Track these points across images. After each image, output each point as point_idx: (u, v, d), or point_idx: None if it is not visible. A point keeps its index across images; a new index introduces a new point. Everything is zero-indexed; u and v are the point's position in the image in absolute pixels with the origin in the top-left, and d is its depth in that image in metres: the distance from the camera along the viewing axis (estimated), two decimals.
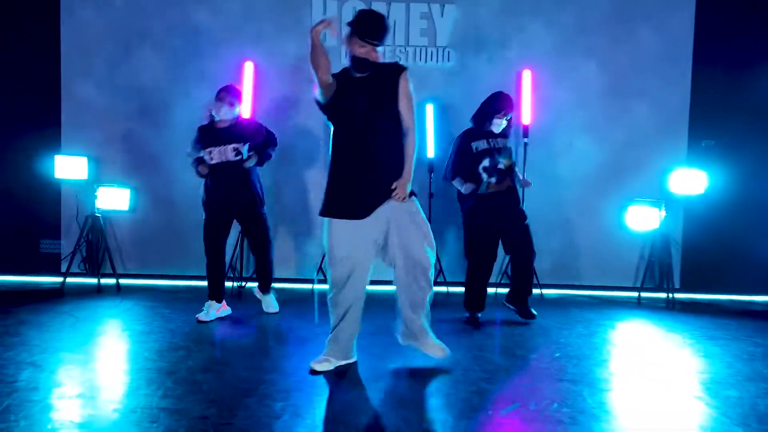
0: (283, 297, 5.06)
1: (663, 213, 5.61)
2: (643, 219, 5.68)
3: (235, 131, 4.58)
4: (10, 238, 5.93)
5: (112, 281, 5.54)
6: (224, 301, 4.69)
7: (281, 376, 3.27)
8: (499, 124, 4.55)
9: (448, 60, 5.88)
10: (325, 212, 3.29)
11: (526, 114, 5.77)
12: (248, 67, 5.70)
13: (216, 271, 4.67)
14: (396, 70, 3.27)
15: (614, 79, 5.91)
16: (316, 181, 5.92)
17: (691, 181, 5.60)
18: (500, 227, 4.55)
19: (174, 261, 5.94)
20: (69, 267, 5.48)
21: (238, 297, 5.43)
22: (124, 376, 3.26)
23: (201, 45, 5.84)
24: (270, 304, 4.87)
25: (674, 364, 3.71)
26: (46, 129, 5.86)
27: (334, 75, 3.17)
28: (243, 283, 5.76)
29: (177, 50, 5.85)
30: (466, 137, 4.60)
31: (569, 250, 6.01)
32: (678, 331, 4.53)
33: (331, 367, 3.31)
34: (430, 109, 5.71)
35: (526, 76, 5.77)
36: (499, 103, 4.54)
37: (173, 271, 5.93)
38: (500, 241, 4.65)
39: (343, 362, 3.35)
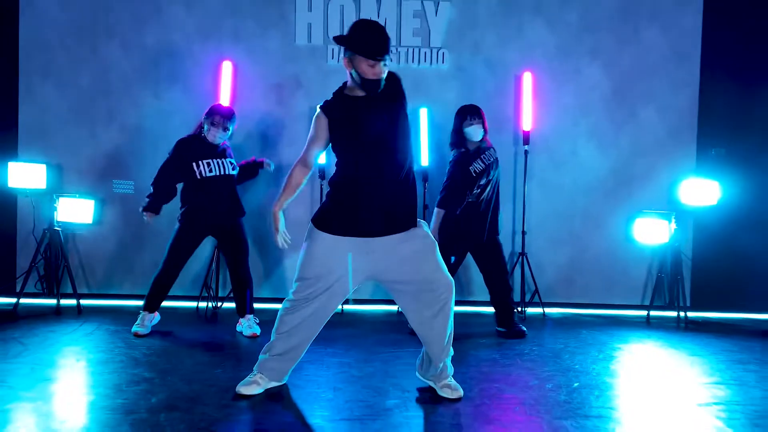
0: (261, 318, 4.55)
1: (673, 226, 5.24)
2: (651, 232, 5.31)
3: (227, 148, 4.44)
4: None
5: (72, 302, 4.98)
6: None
7: (261, 415, 2.77)
8: (476, 131, 4.41)
9: (443, 62, 5.48)
10: (319, 224, 2.89)
11: (526, 120, 5.37)
12: (226, 67, 5.23)
13: (168, 285, 4.37)
14: (394, 80, 2.89)
15: (619, 82, 5.56)
16: (301, 192, 5.44)
17: (703, 191, 5.24)
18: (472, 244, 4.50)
19: (142, 279, 5.39)
20: (23, 286, 4.91)
21: (213, 319, 4.91)
22: (73, 417, 2.72)
23: (174, 42, 5.36)
24: (249, 326, 4.38)
25: (703, 393, 3.28)
26: (1, 133, 5.32)
27: (324, 108, 2.93)
28: (218, 304, 5.24)
29: (148, 48, 5.36)
30: (462, 161, 4.41)
31: (573, 265, 5.60)
32: (699, 355, 4.11)
33: (260, 390, 3.04)
34: (423, 114, 5.28)
35: (527, 79, 5.38)
36: (461, 113, 4.48)
37: (142, 290, 5.37)
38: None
39: (274, 384, 3.10)
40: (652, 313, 5.30)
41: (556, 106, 5.53)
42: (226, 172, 4.30)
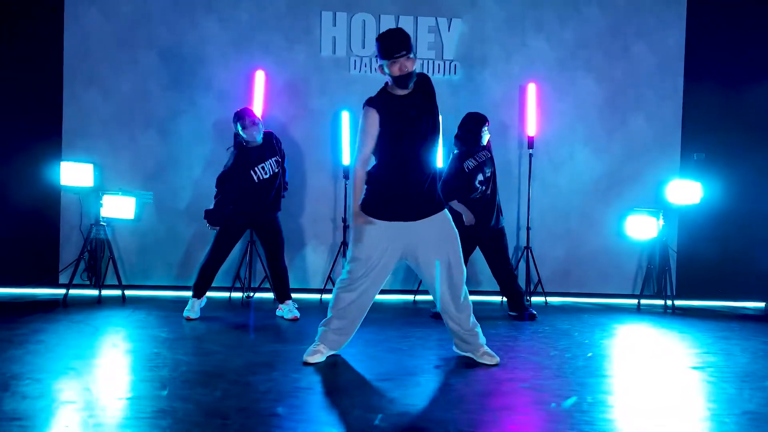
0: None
1: (661, 222, 5.84)
2: (641, 228, 5.90)
3: (266, 145, 4.80)
4: (8, 247, 5.70)
5: (111, 293, 5.39)
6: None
7: (327, 376, 3.24)
8: (485, 135, 5.03)
9: (455, 73, 6.02)
10: (368, 211, 3.33)
11: (531, 126, 5.94)
12: (259, 76, 5.69)
13: (213, 273, 4.81)
14: (426, 79, 3.36)
15: (611, 93, 6.17)
16: (325, 191, 5.94)
17: (687, 191, 5.86)
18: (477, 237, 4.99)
19: (177, 271, 5.83)
20: (72, 278, 5.29)
21: (246, 307, 5.35)
22: (181, 380, 3.16)
23: (209, 54, 5.81)
24: (290, 310, 4.85)
25: (694, 360, 3.86)
26: (47, 135, 5.70)
27: (373, 104, 3.28)
28: (251, 294, 5.69)
29: (184, 58, 5.80)
30: (459, 158, 5.01)
31: (571, 258, 6.17)
32: (688, 333, 4.71)
33: (323, 359, 3.45)
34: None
35: (532, 89, 5.96)
36: (482, 119, 5.03)
37: (177, 281, 5.81)
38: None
39: (333, 352, 3.52)
40: (642, 301, 5.92)
41: (555, 114, 6.11)
42: (274, 171, 4.75)
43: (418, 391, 3.04)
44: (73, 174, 5.35)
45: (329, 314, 3.49)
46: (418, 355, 3.79)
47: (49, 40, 5.71)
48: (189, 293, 4.88)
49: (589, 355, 3.88)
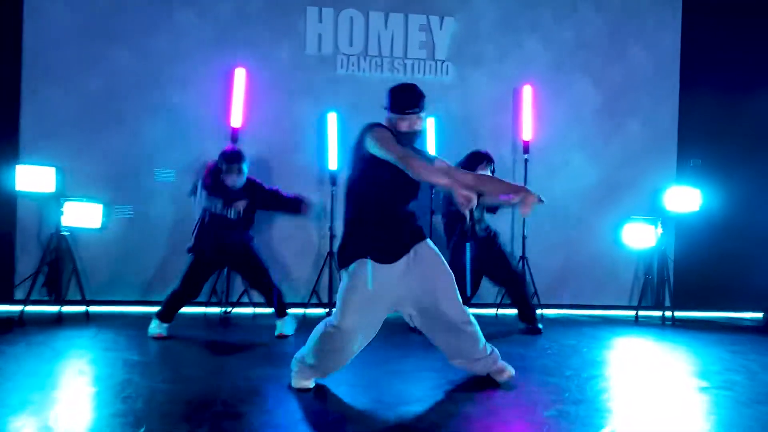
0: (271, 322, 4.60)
1: (659, 230, 5.64)
2: (639, 236, 5.69)
3: (245, 194, 4.45)
4: None
5: (77, 309, 4.89)
6: None
7: (316, 404, 2.86)
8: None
9: (447, 74, 5.72)
10: (365, 254, 2.92)
11: (526, 130, 5.68)
12: (239, 74, 5.29)
13: (184, 302, 4.40)
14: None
15: (608, 96, 5.96)
16: (310, 198, 5.54)
17: (686, 198, 5.67)
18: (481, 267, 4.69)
19: (148, 285, 5.35)
20: (30, 293, 4.77)
21: (225, 324, 4.92)
22: (155, 410, 2.74)
23: (185, 48, 5.38)
24: (288, 325, 4.47)
25: (707, 379, 3.60)
26: (2, 137, 5.18)
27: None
28: (229, 309, 5.25)
29: (158, 53, 5.36)
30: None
31: (567, 268, 5.91)
32: (693, 347, 4.48)
33: (312, 385, 3.09)
34: (430, 123, 5.50)
35: (527, 91, 5.70)
36: (478, 155, 4.66)
37: (147, 296, 5.33)
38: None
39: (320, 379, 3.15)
40: (640, 312, 5.69)
41: (550, 118, 5.86)
42: (230, 216, 4.38)
43: (430, 421, 2.68)
44: (31, 178, 4.84)
45: (311, 351, 3.03)
46: (425, 377, 3.43)
47: (5, 31, 5.20)
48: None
49: (602, 376, 3.59)
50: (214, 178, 4.36)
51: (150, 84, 5.35)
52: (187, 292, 4.34)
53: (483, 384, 3.20)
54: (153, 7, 5.34)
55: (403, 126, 2.96)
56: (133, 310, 5.27)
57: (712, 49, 6.04)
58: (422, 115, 3.00)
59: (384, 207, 2.98)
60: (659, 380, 3.56)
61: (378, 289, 2.88)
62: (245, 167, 4.38)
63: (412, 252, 2.97)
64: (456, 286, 3.05)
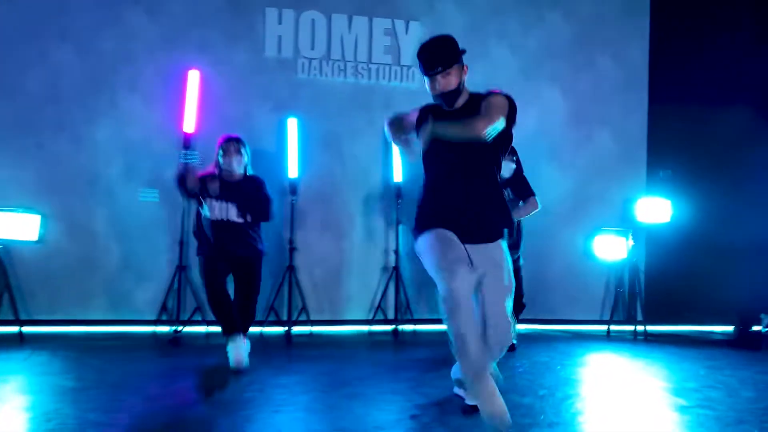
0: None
1: (630, 242, 5.50)
2: (610, 249, 5.54)
3: (242, 189, 3.97)
4: None
5: (10, 329, 4.48)
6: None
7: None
8: (506, 167, 4.27)
9: (413, 80, 5.51)
10: (424, 226, 2.70)
11: None
12: (193, 77, 4.98)
13: (223, 302, 3.75)
14: (484, 95, 2.71)
15: (576, 106, 5.83)
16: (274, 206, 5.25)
17: (656, 209, 5.56)
18: None
19: (93, 303, 4.96)
20: None
21: (174, 344, 4.56)
22: None
23: (134, 49, 5.05)
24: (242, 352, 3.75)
25: (683, 395, 3.42)
26: None
27: (426, 110, 2.78)
28: (179, 328, 4.89)
29: (105, 54, 5.01)
30: None
31: (537, 282, 5.70)
32: (667, 363, 4.32)
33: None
34: None
35: None
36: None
37: (92, 315, 4.94)
38: None
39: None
40: (612, 327, 5.53)
41: (518, 128, 5.66)
42: (230, 219, 3.90)
43: None
44: None
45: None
46: (388, 401, 3.15)
47: None
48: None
49: (578, 395, 3.37)
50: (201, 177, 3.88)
51: (96, 87, 5.00)
52: (216, 295, 3.76)
53: (451, 408, 2.94)
54: (100, 5, 5.00)
55: (432, 88, 2.71)
56: (74, 330, 4.86)
57: (681, 59, 5.98)
58: (451, 70, 2.64)
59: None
60: (637, 400, 3.35)
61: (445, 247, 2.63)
62: (246, 152, 3.97)
63: None
64: None
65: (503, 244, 2.73)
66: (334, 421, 2.76)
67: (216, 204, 3.88)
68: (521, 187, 4.52)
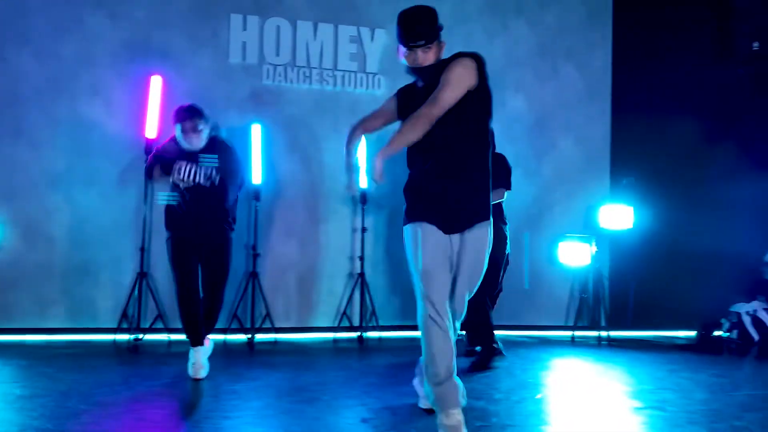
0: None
1: (594, 248, 5.56)
2: (574, 255, 5.60)
3: (208, 151, 3.70)
4: None
5: None
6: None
7: None
8: None
9: (379, 87, 5.54)
10: (407, 216, 2.61)
11: None
12: (155, 82, 4.94)
13: (192, 304, 3.62)
14: (449, 60, 2.58)
15: (540, 114, 5.90)
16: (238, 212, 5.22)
17: (619, 216, 5.64)
18: None
19: (52, 310, 4.86)
20: None
21: (134, 352, 4.50)
22: None
23: (96, 54, 5.00)
24: (202, 364, 3.62)
25: (640, 398, 3.46)
26: None
27: (400, 91, 2.76)
28: (140, 336, 4.81)
29: (66, 58, 4.96)
30: None
31: (504, 288, 5.74)
32: (630, 367, 4.36)
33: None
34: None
35: None
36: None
37: (50, 323, 4.84)
38: None
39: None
40: (576, 332, 5.57)
41: None
42: (199, 182, 3.59)
43: None
44: None
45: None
46: (342, 405, 3.13)
47: None
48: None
49: (538, 396, 3.38)
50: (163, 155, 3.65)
51: (56, 91, 4.93)
52: (186, 294, 3.60)
53: (404, 413, 2.93)
54: (62, 8, 4.95)
55: (409, 60, 2.55)
56: (29, 339, 4.76)
57: (644, 68, 6.09)
58: (431, 45, 2.53)
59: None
60: (592, 401, 3.38)
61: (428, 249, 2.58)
62: (205, 124, 3.66)
63: None
64: None
65: (486, 226, 2.59)
66: (284, 426, 2.73)
67: (182, 167, 3.56)
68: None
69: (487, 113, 2.69)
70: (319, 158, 5.39)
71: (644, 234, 5.84)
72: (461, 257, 2.55)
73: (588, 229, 5.72)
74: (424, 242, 2.52)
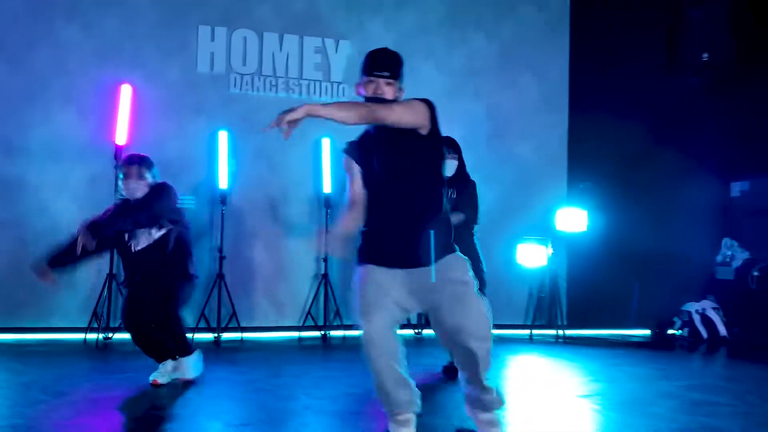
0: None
1: (550, 250, 5.80)
2: (531, 256, 5.83)
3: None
4: None
5: None
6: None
7: None
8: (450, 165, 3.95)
9: (343, 95, 5.77)
10: (359, 258, 2.60)
11: None
12: (125, 90, 5.15)
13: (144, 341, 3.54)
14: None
15: (500, 122, 6.15)
16: (200, 218, 5.42)
17: (574, 219, 5.88)
18: None
19: (24, 311, 5.04)
20: None
21: (102, 349, 4.68)
22: None
23: (68, 63, 5.21)
24: (188, 367, 3.55)
25: (583, 388, 3.69)
26: None
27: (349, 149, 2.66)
28: (110, 335, 5.00)
29: (38, 67, 5.16)
30: None
31: None
32: (578, 362, 4.60)
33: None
34: (326, 144, 5.51)
35: None
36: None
37: (24, 322, 5.02)
38: None
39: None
40: (534, 331, 5.81)
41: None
42: (153, 239, 3.51)
43: None
44: None
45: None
46: (289, 395, 3.34)
47: None
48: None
49: None
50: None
51: (28, 100, 5.13)
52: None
53: (347, 400, 3.14)
54: (33, 19, 5.16)
55: (369, 90, 2.54)
56: (1, 338, 4.93)
57: (599, 77, 6.35)
58: (392, 81, 2.56)
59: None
60: (533, 390, 3.60)
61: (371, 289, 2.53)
62: (151, 174, 3.57)
63: None
64: None
65: (453, 259, 2.53)
66: (232, 411, 2.94)
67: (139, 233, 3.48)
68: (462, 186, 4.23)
69: (440, 157, 2.62)
70: (284, 163, 5.61)
71: (601, 236, 6.08)
72: (436, 296, 2.48)
73: (545, 232, 5.96)
74: (366, 281, 2.51)
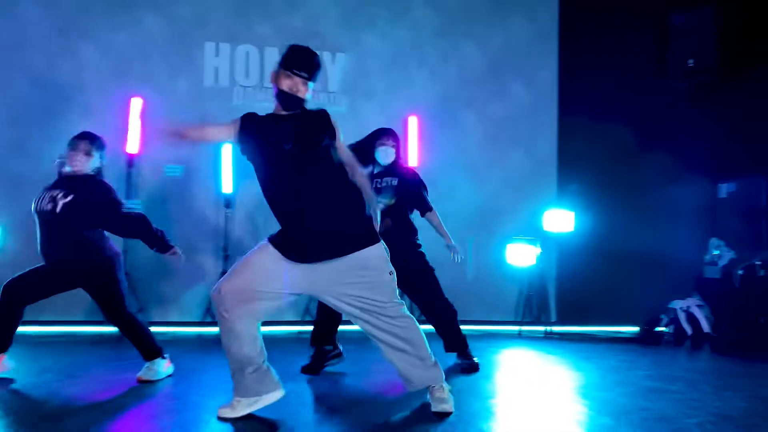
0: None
1: (538, 250, 6.07)
2: (521, 256, 6.10)
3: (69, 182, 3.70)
4: None
5: None
6: None
7: None
8: (385, 153, 4.16)
9: (340, 104, 6.14)
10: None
11: (413, 157, 6.10)
12: (135, 103, 5.61)
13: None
14: (325, 114, 2.87)
15: (490, 128, 6.44)
16: (208, 221, 5.86)
17: (562, 220, 6.14)
18: None
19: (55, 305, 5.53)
20: None
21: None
22: None
23: (86, 79, 5.70)
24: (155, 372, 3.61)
25: (571, 385, 3.96)
26: None
27: (242, 118, 2.95)
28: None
29: (60, 83, 5.66)
30: None
31: (455, 287, 6.25)
32: (566, 357, 4.86)
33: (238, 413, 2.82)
34: None
35: (412, 121, 6.15)
36: (379, 130, 4.27)
37: (55, 316, 5.52)
38: None
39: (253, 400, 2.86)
40: (524, 327, 6.08)
41: (438, 147, 6.31)
42: (50, 208, 3.57)
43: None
44: None
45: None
46: (290, 390, 3.66)
47: None
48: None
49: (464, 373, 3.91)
50: None
51: (53, 114, 5.64)
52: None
53: (323, 384, 3.47)
54: (55, 40, 5.67)
55: (285, 84, 2.77)
56: (31, 330, 5.42)
57: (588, 82, 6.59)
58: (309, 83, 2.79)
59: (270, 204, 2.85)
60: (521, 386, 3.79)
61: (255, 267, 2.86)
62: (99, 156, 3.70)
63: None
64: None
65: (371, 250, 2.74)
66: (201, 394, 3.31)
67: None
68: (420, 204, 4.52)
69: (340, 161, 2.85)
70: None
71: (590, 236, 6.32)
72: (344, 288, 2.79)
73: (534, 233, 6.23)
74: (246, 264, 2.78)
